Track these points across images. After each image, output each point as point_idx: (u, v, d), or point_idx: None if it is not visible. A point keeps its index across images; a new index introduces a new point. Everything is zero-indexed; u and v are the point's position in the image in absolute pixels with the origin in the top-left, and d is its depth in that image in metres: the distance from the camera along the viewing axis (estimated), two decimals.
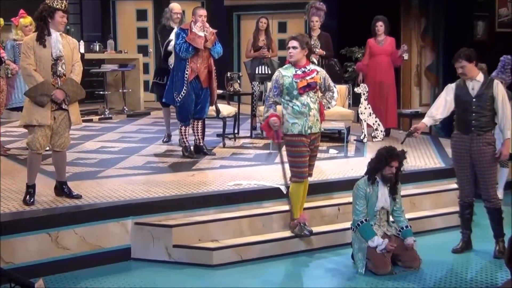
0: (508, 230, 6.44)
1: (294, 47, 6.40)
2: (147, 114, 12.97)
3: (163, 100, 8.96)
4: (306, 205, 6.87)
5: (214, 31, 8.43)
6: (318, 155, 8.78)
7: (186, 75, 8.30)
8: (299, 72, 6.41)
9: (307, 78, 6.38)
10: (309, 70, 6.44)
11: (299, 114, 6.38)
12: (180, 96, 8.36)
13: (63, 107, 6.35)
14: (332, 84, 6.65)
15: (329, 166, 8.26)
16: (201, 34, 8.23)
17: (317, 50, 10.64)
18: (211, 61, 8.49)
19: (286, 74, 6.44)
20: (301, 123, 6.38)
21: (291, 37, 6.47)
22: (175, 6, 9.50)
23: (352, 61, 12.75)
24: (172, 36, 8.80)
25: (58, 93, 6.25)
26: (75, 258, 6.12)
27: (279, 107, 6.55)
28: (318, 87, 6.46)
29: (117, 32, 15.57)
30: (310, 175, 6.67)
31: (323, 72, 6.62)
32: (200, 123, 8.77)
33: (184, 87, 8.33)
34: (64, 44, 6.34)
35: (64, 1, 6.35)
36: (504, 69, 8.62)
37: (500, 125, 6.43)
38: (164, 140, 9.81)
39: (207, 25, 8.36)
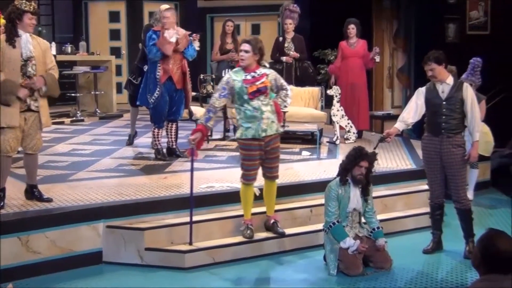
0: (478, 230, 6.51)
1: (246, 51, 6.35)
2: (120, 116, 12.91)
3: (138, 103, 8.92)
4: (279, 207, 6.90)
5: (188, 33, 8.42)
6: (291, 157, 8.90)
7: (158, 76, 8.30)
8: (248, 77, 6.36)
9: (257, 83, 6.33)
10: (259, 74, 6.39)
11: (252, 118, 6.35)
12: (154, 97, 8.35)
13: (33, 108, 6.30)
14: (284, 83, 6.63)
15: (301, 168, 8.29)
16: (173, 39, 8.22)
17: (291, 52, 10.69)
18: (184, 62, 8.49)
19: (236, 78, 6.39)
20: (254, 127, 6.35)
21: (244, 40, 6.45)
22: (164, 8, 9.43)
23: (325, 63, 12.82)
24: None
25: (38, 79, 6.23)
26: (46, 262, 6.06)
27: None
28: (268, 90, 6.41)
29: (89, 33, 15.48)
30: (276, 177, 6.65)
31: (273, 74, 6.54)
32: (174, 126, 8.76)
33: (157, 89, 8.32)
34: (35, 45, 6.30)
35: (33, 3, 6.30)
36: (474, 71, 8.69)
37: (469, 128, 6.52)
38: (128, 142, 9.76)
39: (180, 29, 8.37)
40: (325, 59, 13.03)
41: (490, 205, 8.88)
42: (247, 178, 6.52)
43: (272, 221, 6.81)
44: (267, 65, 6.57)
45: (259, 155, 6.44)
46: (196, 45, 8.46)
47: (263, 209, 6.95)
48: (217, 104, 6.39)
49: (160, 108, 8.45)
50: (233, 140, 9.97)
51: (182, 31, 8.46)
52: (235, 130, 7.57)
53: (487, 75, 9.09)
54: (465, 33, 12.89)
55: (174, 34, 8.27)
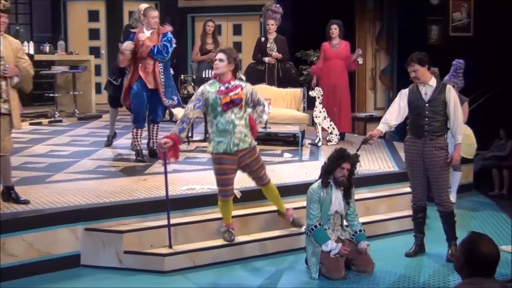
0: (461, 233, 6.55)
1: (220, 60, 6.30)
2: (99, 117, 12.85)
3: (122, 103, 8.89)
4: (259, 209, 6.92)
5: (146, 37, 8.39)
6: (272, 159, 8.90)
7: (128, 76, 8.37)
8: (222, 88, 6.31)
9: (230, 94, 6.27)
10: (233, 86, 6.33)
11: (223, 132, 6.28)
12: (130, 96, 8.41)
13: (2, 111, 6.25)
14: (262, 98, 6.53)
15: (283, 170, 8.29)
16: (126, 51, 8.32)
17: (274, 53, 10.70)
18: (155, 63, 8.46)
19: (210, 90, 6.33)
20: (226, 141, 6.28)
21: (220, 49, 6.43)
22: (143, 7, 9.40)
23: (307, 64, 12.84)
24: None
25: (12, 68, 6.19)
26: (23, 265, 6.02)
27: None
28: (243, 103, 6.34)
29: (68, 33, 15.37)
30: (267, 182, 6.65)
31: (249, 87, 6.46)
32: (155, 127, 8.75)
33: (134, 87, 8.36)
34: (5, 45, 6.24)
35: (3, 1, 6.24)
36: (457, 73, 8.75)
37: (452, 130, 6.55)
38: (106, 143, 9.73)
39: (163, 28, 8.41)
40: (307, 60, 13.06)
41: (473, 208, 8.95)
42: (224, 194, 6.47)
43: (290, 218, 6.89)
44: (243, 78, 6.52)
45: (232, 169, 6.40)
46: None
47: (244, 211, 6.97)
48: (191, 115, 6.34)
49: (137, 107, 8.45)
50: None
51: (165, 29, 8.48)
52: None
53: (470, 77, 9.15)
54: (448, 34, 13.01)
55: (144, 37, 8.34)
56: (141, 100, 8.41)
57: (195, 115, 6.39)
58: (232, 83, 6.35)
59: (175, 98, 8.60)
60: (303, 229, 6.68)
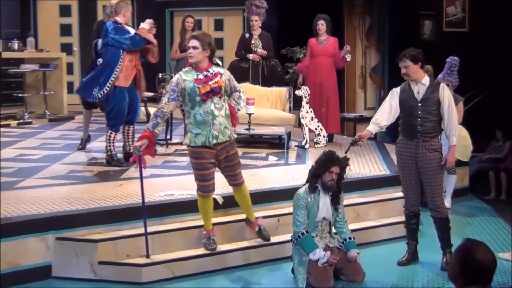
0: (456, 240, 6.58)
1: (194, 47, 6.25)
2: (71, 119, 12.80)
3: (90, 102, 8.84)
4: (243, 216, 6.90)
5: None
6: (256, 162, 8.91)
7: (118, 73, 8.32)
8: (200, 76, 6.27)
9: (210, 82, 6.24)
10: (211, 73, 6.31)
11: (202, 124, 6.25)
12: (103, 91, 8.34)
13: None
14: (236, 84, 6.58)
15: (268, 174, 8.30)
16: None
17: (259, 50, 10.72)
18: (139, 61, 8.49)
19: (186, 78, 6.29)
20: (204, 133, 6.26)
21: (192, 36, 6.37)
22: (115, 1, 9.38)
23: (293, 61, 12.87)
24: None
25: None
26: None
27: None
28: (223, 91, 6.33)
29: (38, 29, 15.31)
30: (241, 183, 6.63)
31: (227, 73, 6.47)
32: (131, 128, 8.73)
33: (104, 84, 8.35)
34: None
35: None
36: (451, 71, 8.79)
37: (446, 131, 6.58)
38: (80, 146, 9.70)
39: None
40: (293, 58, 13.09)
41: (468, 213, 8.99)
42: (204, 190, 6.47)
43: (256, 227, 6.85)
44: (220, 63, 6.49)
45: (211, 163, 6.39)
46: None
47: (226, 218, 6.96)
48: (166, 109, 6.30)
49: (122, 110, 8.41)
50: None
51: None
52: None
53: (465, 75, 9.20)
54: (441, 30, 13.07)
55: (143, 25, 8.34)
56: (125, 100, 8.39)
57: (170, 108, 6.35)
58: (211, 70, 6.33)
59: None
60: (275, 239, 6.67)
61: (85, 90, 8.53)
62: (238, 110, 6.64)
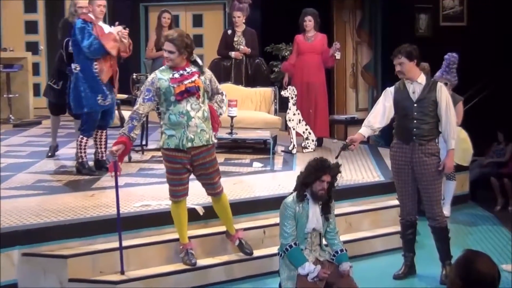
0: (456, 251, 6.60)
1: (170, 52, 6.28)
2: (38, 124, 12.76)
3: (85, 110, 8.68)
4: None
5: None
6: (240, 169, 8.91)
7: (97, 74, 8.29)
8: (176, 75, 6.30)
9: (185, 82, 6.26)
10: (188, 73, 6.33)
11: (176, 125, 6.27)
12: (109, 99, 8.32)
13: None
14: (219, 86, 6.61)
15: (252, 182, 8.31)
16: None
17: (242, 47, 10.73)
18: (115, 60, 8.48)
19: (162, 77, 6.32)
20: (178, 135, 6.27)
21: (166, 39, 6.32)
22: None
23: (279, 60, 12.87)
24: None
25: None
26: None
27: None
28: (200, 92, 6.33)
29: (1, 26, 15.24)
30: (220, 192, 6.61)
31: (208, 74, 6.49)
32: (104, 134, 8.71)
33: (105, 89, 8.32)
34: None
35: None
36: (449, 68, 8.83)
37: (444, 134, 6.61)
38: (49, 154, 9.67)
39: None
40: (278, 55, 13.09)
41: (469, 222, 9.04)
42: (175, 195, 6.48)
43: (236, 241, 6.84)
44: (199, 61, 6.48)
45: (184, 168, 6.39)
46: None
47: (207, 230, 6.95)
48: (142, 110, 6.30)
49: (95, 114, 8.39)
50: None
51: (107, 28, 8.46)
52: None
53: (464, 73, 9.25)
54: (438, 24, 13.14)
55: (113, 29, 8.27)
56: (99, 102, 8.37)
57: (146, 109, 6.35)
58: (188, 69, 6.35)
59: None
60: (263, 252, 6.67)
61: (91, 102, 8.40)
62: (220, 114, 6.64)
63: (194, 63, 6.42)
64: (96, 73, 8.28)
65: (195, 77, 6.33)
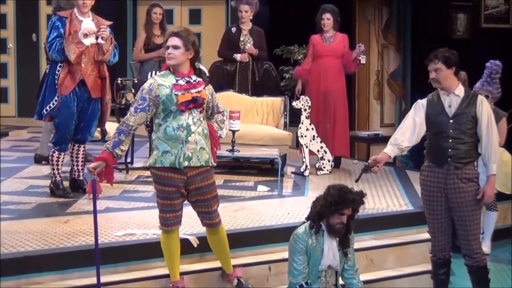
0: None
1: (175, 47, 6.27)
2: (4, 135, 12.77)
3: (34, 116, 8.78)
4: None
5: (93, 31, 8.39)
6: (242, 193, 8.91)
7: (56, 81, 8.27)
8: (181, 82, 6.29)
9: (192, 91, 6.27)
10: (195, 81, 6.34)
11: (173, 139, 6.24)
12: (48, 108, 8.31)
13: None
14: (220, 104, 6.63)
15: (257, 209, 8.29)
16: (86, 41, 8.22)
17: (248, 46, 10.70)
18: (103, 64, 8.50)
19: (162, 83, 6.30)
20: (174, 151, 6.24)
21: (172, 33, 6.36)
22: None
23: (291, 64, 12.88)
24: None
25: None
26: None
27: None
28: (205, 105, 6.37)
29: None
30: (218, 223, 6.58)
31: (210, 88, 6.51)
32: (81, 149, 8.71)
33: (56, 97, 8.29)
34: None
35: None
36: (491, 78, 8.81)
37: (484, 156, 6.59)
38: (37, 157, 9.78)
39: (101, 20, 8.41)
40: (290, 59, 13.11)
41: None
42: (166, 223, 6.45)
43: (234, 280, 6.78)
44: (204, 69, 6.50)
45: (178, 192, 6.38)
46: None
47: (202, 265, 6.91)
48: (132, 122, 6.25)
49: (63, 124, 8.40)
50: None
51: (102, 21, 8.47)
52: None
53: (508, 84, 9.24)
54: (479, 26, 13.14)
55: (91, 33, 8.26)
56: (71, 114, 8.38)
57: (137, 121, 6.29)
58: (194, 77, 6.36)
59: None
60: None
61: (37, 110, 8.52)
62: (220, 136, 6.64)
63: (199, 73, 6.42)
64: (56, 79, 8.30)
65: (201, 88, 6.34)
